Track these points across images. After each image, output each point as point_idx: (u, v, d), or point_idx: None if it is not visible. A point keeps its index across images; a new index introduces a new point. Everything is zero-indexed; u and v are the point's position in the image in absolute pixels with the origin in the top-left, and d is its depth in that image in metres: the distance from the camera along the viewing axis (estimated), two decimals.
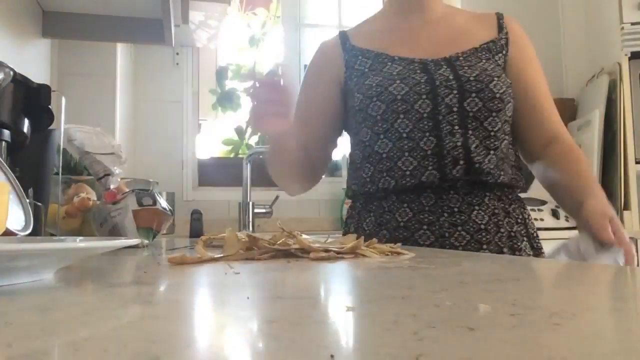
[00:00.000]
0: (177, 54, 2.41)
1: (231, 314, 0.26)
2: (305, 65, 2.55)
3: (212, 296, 0.34)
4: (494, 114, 0.88)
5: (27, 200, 0.69)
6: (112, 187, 0.83)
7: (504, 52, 0.97)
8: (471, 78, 0.89)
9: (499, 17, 1.01)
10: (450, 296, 0.29)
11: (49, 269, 0.37)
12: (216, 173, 2.46)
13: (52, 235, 0.93)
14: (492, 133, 0.89)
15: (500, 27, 0.99)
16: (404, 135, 0.88)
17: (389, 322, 0.22)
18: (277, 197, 2.03)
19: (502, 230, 0.88)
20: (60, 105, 0.92)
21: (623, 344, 0.19)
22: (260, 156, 2.31)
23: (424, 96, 0.88)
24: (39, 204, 0.82)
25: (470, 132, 0.87)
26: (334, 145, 1.06)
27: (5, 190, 0.48)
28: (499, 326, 0.21)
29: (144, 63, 2.38)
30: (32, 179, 0.85)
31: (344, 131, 1.06)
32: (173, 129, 2.39)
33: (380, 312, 0.26)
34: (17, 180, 0.69)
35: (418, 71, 0.91)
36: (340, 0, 2.65)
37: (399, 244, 0.66)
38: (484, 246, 0.86)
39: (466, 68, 0.91)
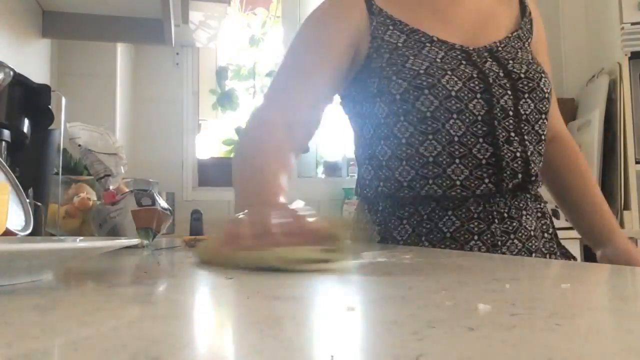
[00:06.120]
0: (177, 54, 2.40)
1: (231, 314, 0.26)
2: None
3: (212, 296, 0.34)
4: (543, 115, 0.80)
5: (27, 200, 0.69)
6: (111, 187, 0.83)
7: (529, 39, 0.88)
8: (522, 75, 0.79)
9: None
10: (450, 296, 0.29)
11: (49, 269, 0.37)
12: (216, 173, 2.45)
13: (52, 235, 0.93)
14: (542, 137, 0.81)
15: (524, 9, 0.90)
16: (456, 139, 0.76)
17: (389, 322, 0.22)
18: None
19: (545, 235, 0.82)
20: (60, 105, 0.92)
21: (623, 344, 0.19)
22: None
23: (478, 95, 0.77)
24: (39, 204, 0.82)
25: (525, 137, 0.78)
26: (320, 122, 0.85)
27: (5, 190, 0.48)
28: (499, 326, 0.21)
29: (144, 63, 2.38)
30: (32, 179, 0.85)
31: (347, 112, 0.90)
32: (173, 129, 2.39)
33: (380, 312, 0.26)
34: (17, 180, 0.69)
35: (464, 62, 0.79)
36: None
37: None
38: (533, 254, 0.78)
39: (512, 62, 0.80)
